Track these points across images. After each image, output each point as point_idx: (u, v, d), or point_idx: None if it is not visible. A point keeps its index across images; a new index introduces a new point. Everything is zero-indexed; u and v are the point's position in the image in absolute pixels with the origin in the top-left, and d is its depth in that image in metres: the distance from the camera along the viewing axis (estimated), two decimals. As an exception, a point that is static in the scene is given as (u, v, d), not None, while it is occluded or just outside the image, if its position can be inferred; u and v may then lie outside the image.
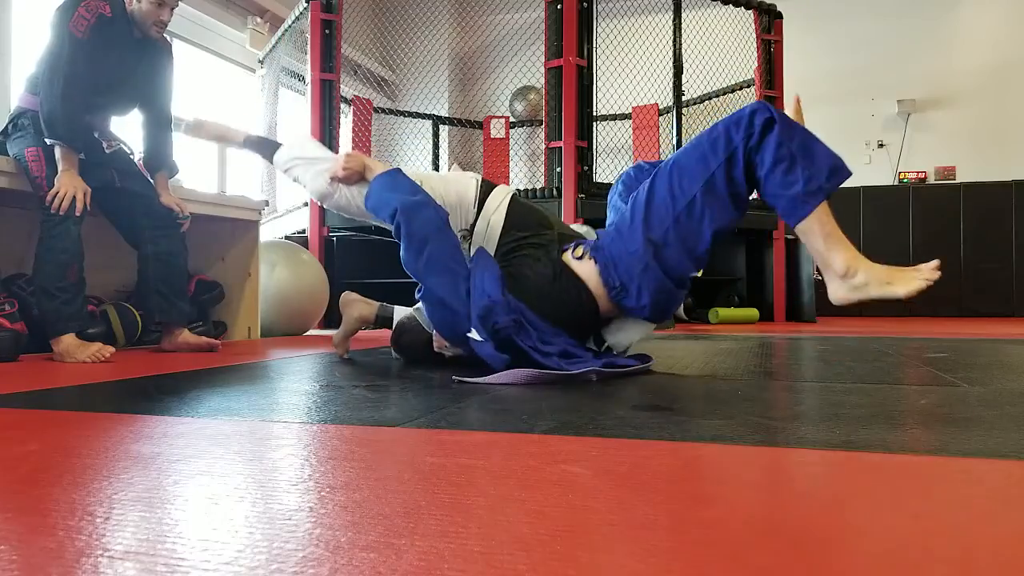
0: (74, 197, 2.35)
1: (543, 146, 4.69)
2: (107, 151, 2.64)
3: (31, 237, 2.47)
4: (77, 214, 2.37)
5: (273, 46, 5.92)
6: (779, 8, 5.66)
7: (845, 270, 1.75)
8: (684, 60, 5.12)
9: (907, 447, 1.04)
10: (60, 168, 2.37)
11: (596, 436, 1.10)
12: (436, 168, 6.99)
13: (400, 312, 2.36)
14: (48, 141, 2.36)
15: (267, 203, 3.95)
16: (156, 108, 2.80)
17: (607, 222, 2.11)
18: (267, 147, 2.52)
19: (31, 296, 2.57)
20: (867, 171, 8.02)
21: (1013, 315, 7.46)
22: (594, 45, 4.65)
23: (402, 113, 6.95)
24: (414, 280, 1.95)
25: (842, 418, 1.23)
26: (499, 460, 0.97)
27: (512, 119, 7.33)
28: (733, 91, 5.85)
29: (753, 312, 5.50)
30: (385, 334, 2.43)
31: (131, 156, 2.79)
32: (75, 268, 2.42)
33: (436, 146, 7.05)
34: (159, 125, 2.80)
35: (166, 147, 2.82)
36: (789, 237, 5.71)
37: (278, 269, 3.84)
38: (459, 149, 7.41)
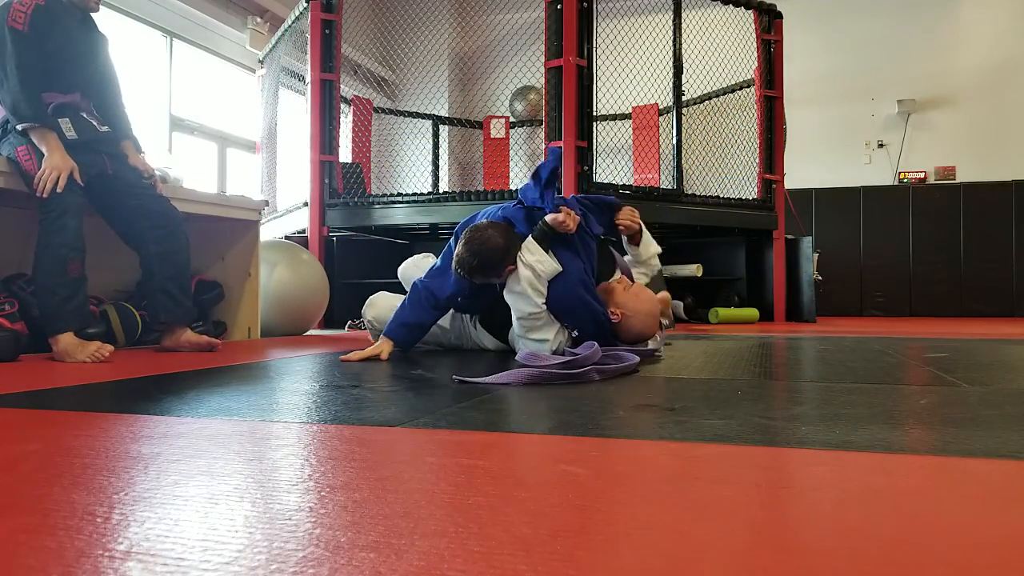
0: (60, 179, 2.38)
1: (543, 146, 4.69)
2: (100, 129, 2.65)
3: (31, 237, 2.47)
4: (59, 191, 2.38)
5: (273, 46, 5.92)
6: (779, 8, 5.66)
7: None
8: (684, 60, 5.12)
9: (907, 447, 1.04)
10: (45, 151, 2.40)
11: (596, 436, 1.10)
12: (436, 167, 6.99)
13: None
14: (20, 127, 2.42)
15: (267, 203, 3.95)
16: (111, 80, 2.80)
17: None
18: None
19: (31, 296, 2.57)
20: (867, 171, 8.02)
21: (1013, 315, 7.46)
22: (594, 45, 4.64)
23: (402, 113, 6.95)
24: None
25: (842, 418, 1.23)
26: (499, 460, 0.97)
27: (512, 119, 7.33)
28: (733, 91, 5.85)
29: (753, 312, 5.50)
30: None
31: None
32: (76, 263, 2.42)
33: (436, 146, 7.05)
34: (116, 97, 2.81)
35: (126, 118, 2.84)
36: (789, 237, 5.70)
37: (278, 269, 3.84)
38: (459, 149, 7.41)
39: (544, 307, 2.26)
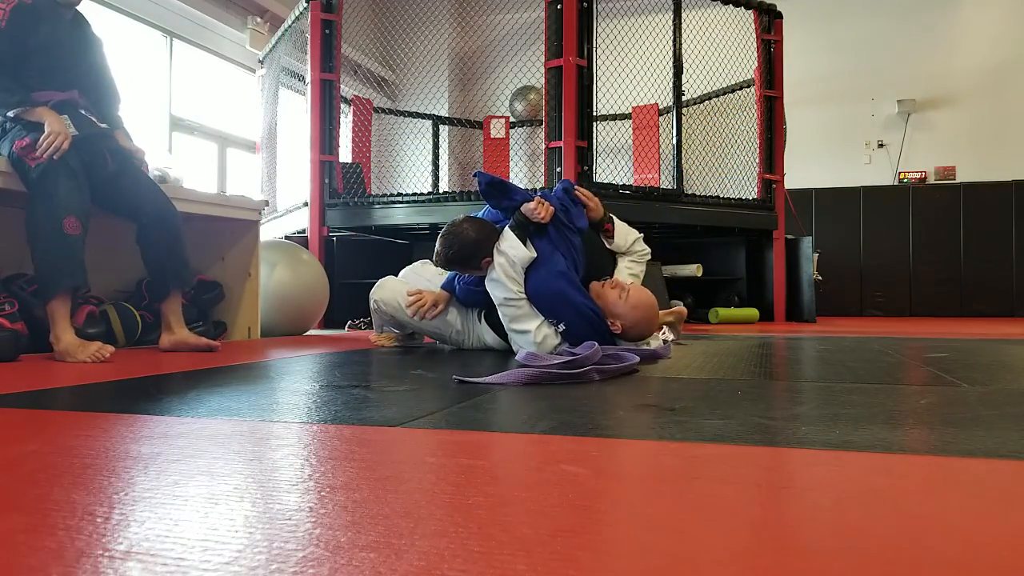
0: (63, 145, 2.41)
1: (543, 146, 4.69)
2: (100, 125, 2.66)
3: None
4: (56, 157, 2.39)
5: (273, 46, 5.92)
6: (779, 8, 5.66)
7: None
8: (684, 60, 5.12)
9: (907, 447, 1.04)
10: (44, 121, 2.42)
11: (596, 436, 1.10)
12: (436, 167, 6.99)
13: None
14: (11, 114, 2.46)
15: (267, 203, 3.95)
16: (107, 81, 2.82)
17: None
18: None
19: (31, 296, 2.57)
20: (867, 171, 8.02)
21: (1013, 315, 7.46)
22: (594, 45, 4.64)
23: (402, 113, 6.95)
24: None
25: (842, 418, 1.23)
26: (499, 460, 0.97)
27: (512, 119, 7.32)
28: (733, 91, 5.85)
29: (753, 312, 5.50)
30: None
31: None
32: (72, 220, 2.38)
33: (436, 146, 7.05)
34: (112, 98, 2.83)
35: (119, 119, 2.86)
36: (789, 237, 5.70)
37: (278, 269, 3.84)
38: (459, 149, 7.41)
39: (521, 294, 2.33)
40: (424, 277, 2.87)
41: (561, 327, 2.32)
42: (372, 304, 2.85)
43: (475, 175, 2.52)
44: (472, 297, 2.65)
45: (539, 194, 2.46)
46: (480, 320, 2.72)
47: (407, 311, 2.69)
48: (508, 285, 2.32)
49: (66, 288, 2.39)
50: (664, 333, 2.99)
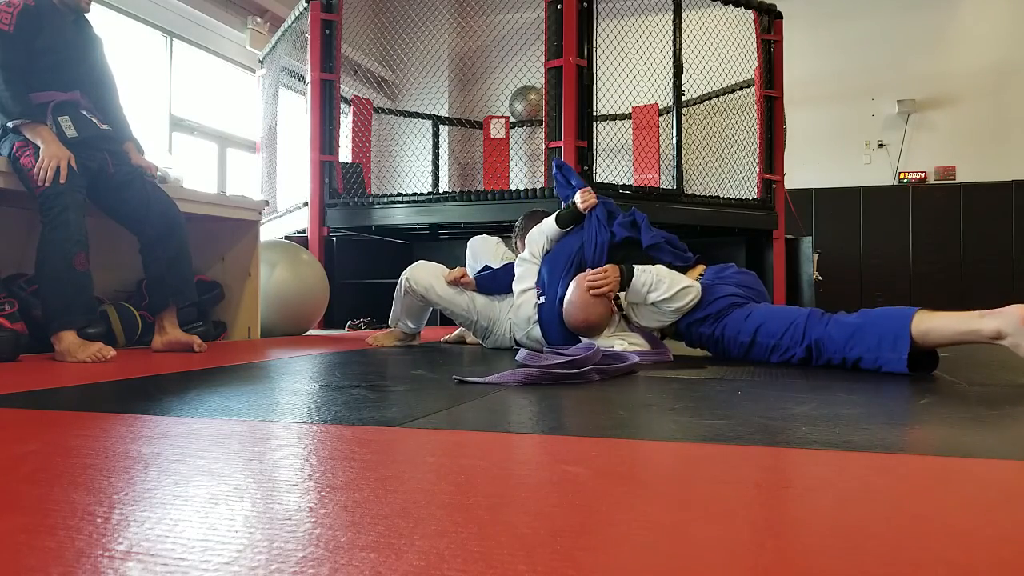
0: (60, 167, 2.40)
1: (543, 146, 4.69)
2: (100, 126, 2.66)
3: (31, 237, 2.47)
4: (62, 181, 2.39)
5: (273, 46, 5.91)
6: (779, 8, 5.66)
7: (994, 334, 1.74)
8: (684, 60, 5.12)
9: (907, 447, 1.04)
10: (40, 144, 2.42)
11: (596, 436, 1.10)
12: (436, 167, 6.99)
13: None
14: (10, 124, 2.45)
15: (267, 203, 3.95)
16: (108, 80, 2.82)
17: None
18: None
19: (31, 296, 2.57)
20: (867, 171, 8.02)
21: (1013, 315, 7.45)
22: (594, 45, 4.63)
23: (402, 113, 6.94)
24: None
25: (842, 418, 1.23)
26: (499, 460, 0.97)
27: (512, 119, 7.32)
28: (733, 91, 5.85)
29: (753, 312, 5.48)
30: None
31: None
32: (82, 257, 2.41)
33: (436, 146, 7.04)
34: (113, 97, 2.83)
35: (126, 120, 2.86)
36: (789, 237, 5.70)
37: (278, 269, 3.84)
38: (459, 149, 7.40)
39: (533, 259, 2.65)
40: (487, 250, 3.08)
41: (541, 299, 2.54)
42: (405, 285, 2.91)
43: (554, 160, 2.98)
44: (488, 283, 2.89)
45: (599, 200, 2.70)
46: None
47: (446, 279, 2.89)
48: (529, 247, 2.68)
49: (76, 326, 2.40)
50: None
